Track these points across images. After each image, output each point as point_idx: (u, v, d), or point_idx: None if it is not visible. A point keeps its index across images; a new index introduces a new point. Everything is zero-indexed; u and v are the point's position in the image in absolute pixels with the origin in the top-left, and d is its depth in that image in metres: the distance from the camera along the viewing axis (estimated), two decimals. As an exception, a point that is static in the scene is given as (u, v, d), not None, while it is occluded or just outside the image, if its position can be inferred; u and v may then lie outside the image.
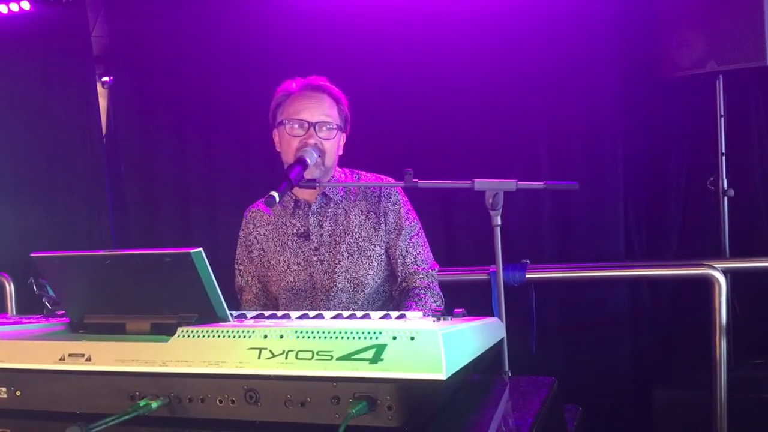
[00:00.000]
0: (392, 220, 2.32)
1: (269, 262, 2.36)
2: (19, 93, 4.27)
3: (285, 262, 2.33)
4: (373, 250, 2.30)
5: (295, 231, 2.33)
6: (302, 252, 2.32)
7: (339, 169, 2.38)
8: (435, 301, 2.28)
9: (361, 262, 2.28)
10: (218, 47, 4.08)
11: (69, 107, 4.28)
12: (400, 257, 2.31)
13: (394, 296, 2.37)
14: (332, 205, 2.33)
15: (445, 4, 3.76)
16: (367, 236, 2.30)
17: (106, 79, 4.48)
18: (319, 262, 2.30)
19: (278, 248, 2.35)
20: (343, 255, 2.28)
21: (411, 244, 2.32)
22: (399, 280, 2.33)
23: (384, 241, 2.32)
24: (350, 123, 2.37)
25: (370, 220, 2.31)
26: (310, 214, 2.32)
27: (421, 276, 2.31)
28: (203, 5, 4.10)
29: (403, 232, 2.32)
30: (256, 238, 2.40)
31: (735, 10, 3.13)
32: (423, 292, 2.28)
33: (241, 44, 4.03)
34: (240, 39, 4.04)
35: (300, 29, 3.92)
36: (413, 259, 2.32)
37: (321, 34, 3.87)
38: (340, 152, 2.35)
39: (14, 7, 4.13)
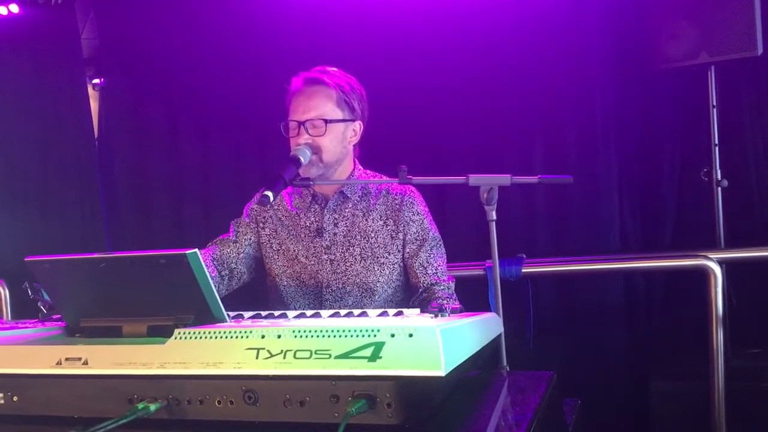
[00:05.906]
0: (414, 231, 2.27)
1: (280, 246, 2.31)
2: (9, 97, 4.23)
3: (294, 250, 2.29)
4: (387, 258, 2.26)
5: (308, 224, 2.29)
6: (313, 246, 2.27)
7: (362, 169, 2.34)
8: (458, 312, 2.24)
9: (373, 268, 2.24)
10: (209, 48, 4.06)
11: (60, 110, 4.25)
12: (421, 267, 2.27)
13: (414, 306, 2.31)
14: (350, 206, 2.29)
15: (437, 0, 3.75)
16: (383, 243, 2.26)
17: (96, 81, 4.45)
18: (329, 261, 2.26)
19: (291, 236, 2.30)
20: (356, 258, 2.24)
21: (432, 255, 2.28)
22: (420, 290, 2.28)
23: (399, 251, 2.28)
24: (366, 108, 2.28)
25: (389, 227, 2.27)
26: (325, 211, 2.28)
27: (442, 287, 2.27)
28: (193, 6, 4.08)
29: (425, 244, 2.28)
30: (270, 217, 2.34)
31: (725, 0, 3.14)
32: (445, 302, 2.22)
33: (232, 44, 4.02)
34: (231, 39, 4.02)
35: (291, 29, 3.91)
36: (434, 270, 2.28)
37: (311, 34, 3.85)
38: (353, 141, 2.27)
39: (2, 10, 4.10)
